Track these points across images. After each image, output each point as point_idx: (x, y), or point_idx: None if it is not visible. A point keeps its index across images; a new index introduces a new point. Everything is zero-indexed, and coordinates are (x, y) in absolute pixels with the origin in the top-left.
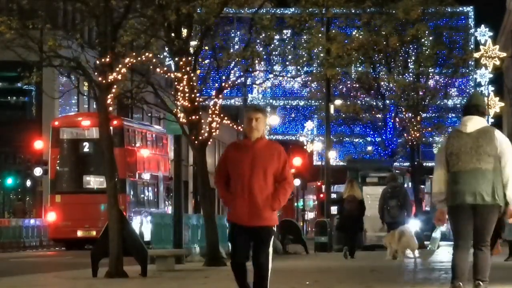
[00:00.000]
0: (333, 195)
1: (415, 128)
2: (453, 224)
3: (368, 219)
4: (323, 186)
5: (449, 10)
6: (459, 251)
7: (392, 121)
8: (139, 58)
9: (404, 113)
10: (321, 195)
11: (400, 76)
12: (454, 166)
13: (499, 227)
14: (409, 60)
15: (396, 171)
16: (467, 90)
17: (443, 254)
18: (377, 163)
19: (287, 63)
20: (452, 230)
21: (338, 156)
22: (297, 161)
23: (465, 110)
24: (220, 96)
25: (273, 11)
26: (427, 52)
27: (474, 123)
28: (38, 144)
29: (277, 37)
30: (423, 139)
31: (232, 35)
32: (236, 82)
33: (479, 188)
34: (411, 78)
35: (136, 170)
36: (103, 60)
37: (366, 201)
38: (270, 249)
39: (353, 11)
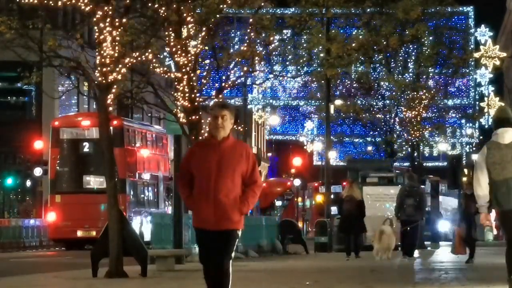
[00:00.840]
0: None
1: (415, 128)
2: (505, 227)
3: (368, 219)
4: (320, 187)
5: (449, 10)
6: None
7: (392, 121)
8: (139, 58)
9: (404, 113)
10: (318, 196)
11: (400, 76)
12: (500, 175)
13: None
14: (409, 60)
15: (396, 171)
16: (467, 90)
17: (443, 254)
18: (377, 163)
19: (287, 63)
20: (504, 232)
21: (338, 156)
22: (297, 161)
23: (497, 123)
24: (220, 96)
25: (273, 11)
26: (427, 52)
27: (510, 135)
28: (38, 144)
29: (277, 37)
30: (423, 139)
31: (232, 35)
32: (236, 82)
33: None
34: (411, 78)
35: (136, 170)
36: (103, 60)
37: (366, 201)
38: (233, 254)
39: (353, 11)
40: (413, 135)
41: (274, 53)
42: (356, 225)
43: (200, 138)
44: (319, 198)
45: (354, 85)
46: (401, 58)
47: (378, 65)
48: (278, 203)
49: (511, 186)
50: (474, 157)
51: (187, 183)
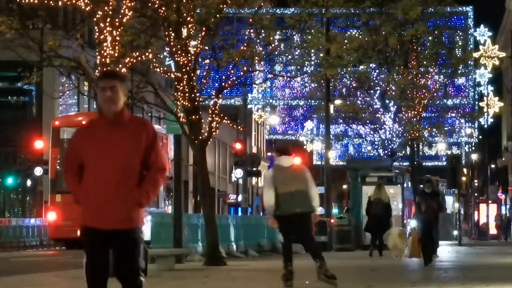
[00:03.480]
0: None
1: (415, 127)
2: (285, 227)
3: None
4: None
5: (449, 10)
6: (290, 243)
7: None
8: (139, 58)
9: (403, 112)
10: None
11: (400, 76)
12: (284, 189)
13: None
14: (408, 60)
15: (396, 170)
16: (467, 90)
17: (443, 254)
18: (377, 162)
19: (287, 63)
20: (283, 230)
21: (337, 156)
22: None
23: (280, 152)
24: (220, 96)
25: (273, 11)
26: (426, 52)
27: (290, 161)
28: (39, 144)
29: (277, 37)
30: (423, 138)
31: (232, 35)
32: (236, 82)
33: (303, 201)
34: (411, 78)
35: None
36: (103, 60)
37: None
38: (141, 258)
39: (352, 11)
40: (413, 135)
41: (274, 53)
42: (382, 225)
43: (201, 137)
44: None
45: (354, 84)
46: (400, 58)
47: (377, 65)
48: None
49: (291, 197)
50: (474, 156)
51: (74, 176)
